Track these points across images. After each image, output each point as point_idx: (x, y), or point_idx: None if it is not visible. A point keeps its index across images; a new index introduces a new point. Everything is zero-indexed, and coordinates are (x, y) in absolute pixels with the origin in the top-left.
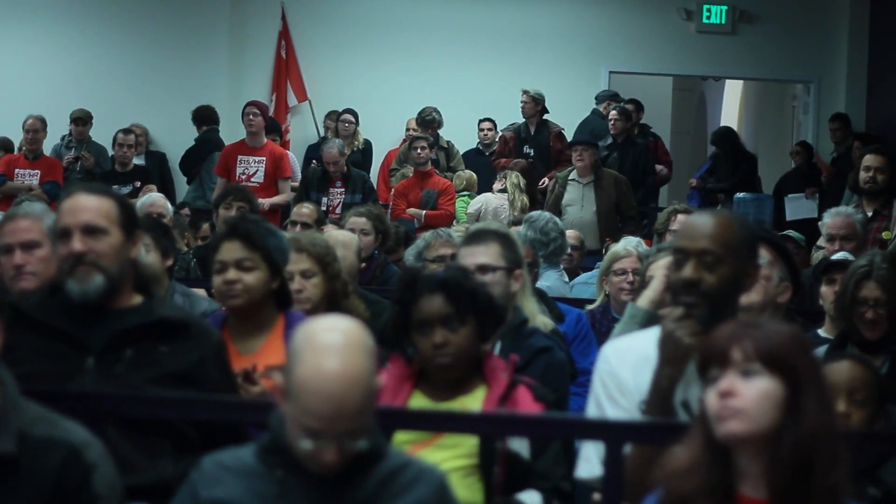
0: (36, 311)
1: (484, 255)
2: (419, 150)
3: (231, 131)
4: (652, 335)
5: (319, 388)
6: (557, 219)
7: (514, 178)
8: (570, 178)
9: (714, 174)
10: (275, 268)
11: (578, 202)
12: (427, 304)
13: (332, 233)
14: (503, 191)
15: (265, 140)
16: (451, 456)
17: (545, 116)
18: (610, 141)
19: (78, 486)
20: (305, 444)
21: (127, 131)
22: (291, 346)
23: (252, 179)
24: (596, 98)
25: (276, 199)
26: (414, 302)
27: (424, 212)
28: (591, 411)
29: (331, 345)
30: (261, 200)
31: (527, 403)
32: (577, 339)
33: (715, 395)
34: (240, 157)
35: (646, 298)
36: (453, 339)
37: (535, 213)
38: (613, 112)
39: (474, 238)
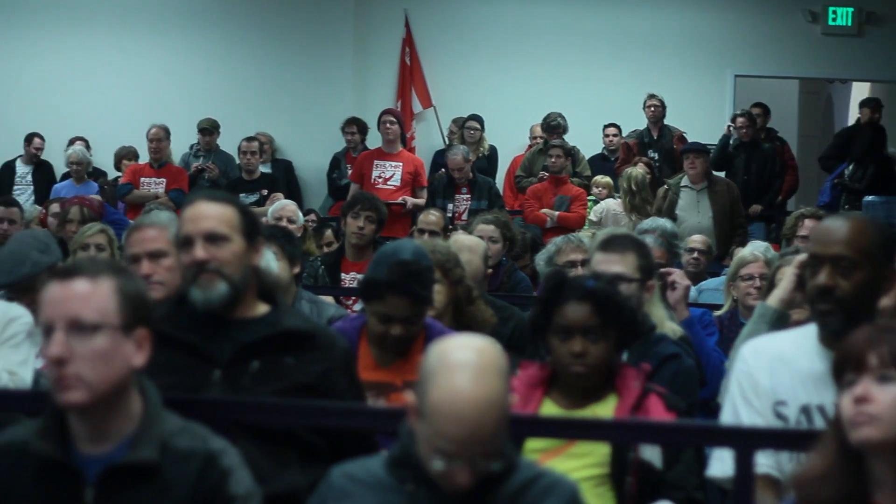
0: (163, 323)
1: (620, 264)
2: (554, 158)
3: None
4: (789, 336)
5: (453, 412)
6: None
7: (625, 183)
8: (682, 184)
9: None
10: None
11: (694, 208)
12: (572, 311)
13: (457, 237)
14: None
15: (401, 147)
16: (582, 465)
17: (665, 121)
18: (737, 144)
19: (215, 491)
20: (438, 465)
21: (250, 139)
22: (425, 364)
23: (388, 182)
24: None
25: (417, 200)
26: (558, 306)
27: (558, 213)
28: (727, 412)
29: (465, 367)
30: (405, 199)
31: (658, 412)
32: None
33: (850, 400)
34: (376, 161)
35: (775, 297)
36: (592, 350)
37: (660, 220)
38: (740, 119)
39: (610, 245)
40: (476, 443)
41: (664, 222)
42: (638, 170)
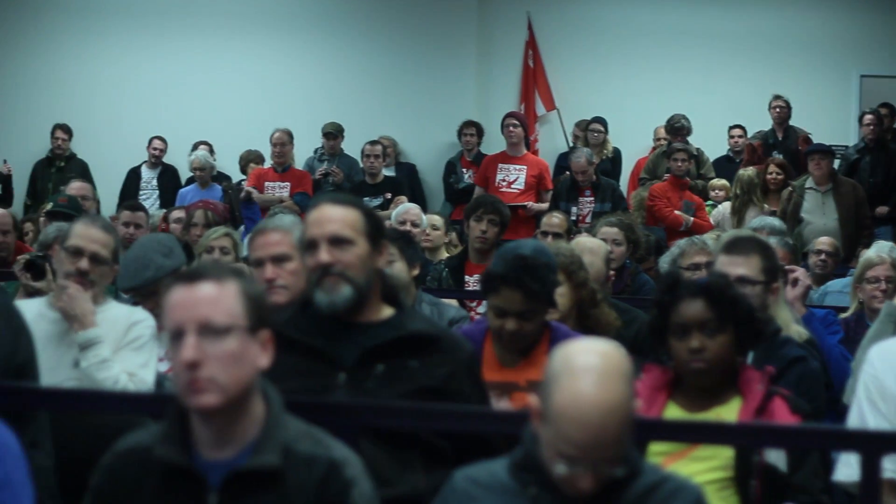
0: (288, 328)
1: (744, 266)
2: (679, 163)
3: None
4: None
5: (577, 417)
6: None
7: (737, 188)
8: (807, 186)
9: None
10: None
11: (819, 210)
12: (687, 308)
13: (580, 239)
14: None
15: (525, 150)
16: (705, 468)
17: (790, 122)
18: (861, 145)
19: (336, 501)
20: (561, 469)
21: (374, 143)
22: (549, 367)
23: (513, 186)
24: None
25: (540, 206)
26: (674, 305)
27: (692, 218)
28: (854, 415)
29: (589, 371)
30: (529, 204)
31: (783, 415)
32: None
33: None
34: (500, 165)
35: None
36: (710, 345)
37: (768, 219)
38: (868, 116)
39: (734, 247)
40: (599, 447)
41: (772, 220)
42: (748, 171)
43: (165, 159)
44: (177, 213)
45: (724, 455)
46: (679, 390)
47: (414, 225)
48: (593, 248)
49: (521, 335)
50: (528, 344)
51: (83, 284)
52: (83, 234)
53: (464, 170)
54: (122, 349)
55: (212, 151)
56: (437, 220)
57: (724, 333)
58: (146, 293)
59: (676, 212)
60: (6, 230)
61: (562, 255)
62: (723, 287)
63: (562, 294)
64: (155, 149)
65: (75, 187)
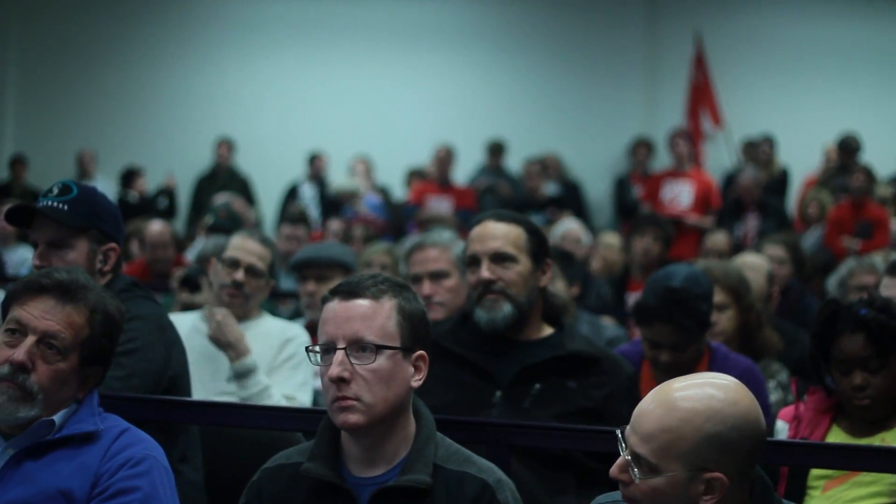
0: (447, 342)
1: None
2: (855, 181)
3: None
4: None
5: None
6: None
7: None
8: None
9: None
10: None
11: None
12: (847, 344)
13: (742, 257)
14: None
15: (692, 167)
16: (868, 493)
17: None
18: None
19: None
20: None
21: (534, 161)
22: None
23: (679, 202)
24: None
25: (703, 221)
26: (833, 339)
27: (860, 240)
28: None
29: (666, 389)
30: (693, 220)
31: None
32: None
33: None
34: (667, 181)
35: None
36: (873, 382)
37: None
38: None
39: None
40: None
41: None
42: None
43: (326, 174)
44: (335, 227)
45: (887, 480)
46: (843, 414)
47: (576, 242)
48: (755, 265)
49: (677, 365)
50: (686, 369)
51: (237, 297)
52: (241, 246)
53: (634, 186)
54: (277, 368)
55: (370, 168)
56: (613, 240)
57: (888, 368)
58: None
59: (844, 242)
60: (164, 244)
61: (731, 278)
62: (883, 321)
63: (729, 318)
64: (315, 165)
65: (231, 202)
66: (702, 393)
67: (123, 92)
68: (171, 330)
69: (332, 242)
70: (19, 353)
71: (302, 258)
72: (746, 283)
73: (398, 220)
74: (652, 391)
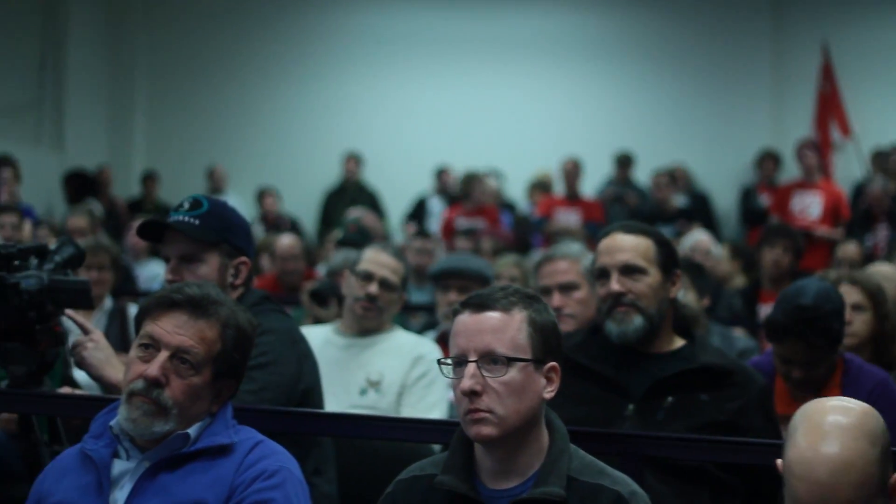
0: (578, 353)
1: None
2: None
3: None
4: None
5: (805, 474)
6: None
7: None
8: None
9: None
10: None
11: None
12: None
13: (875, 267)
14: None
15: (821, 178)
16: None
17: None
18: None
19: None
20: None
21: (663, 172)
22: (792, 420)
23: (808, 213)
24: None
25: (833, 234)
26: None
27: None
28: None
29: (826, 427)
30: (820, 232)
31: None
32: None
33: None
34: (796, 193)
35: None
36: None
37: None
38: None
39: None
40: None
41: None
42: None
43: (452, 186)
44: (462, 242)
45: None
46: None
47: (705, 254)
48: (887, 274)
49: (809, 381)
50: (818, 384)
51: (371, 309)
52: (374, 259)
53: (761, 195)
54: (410, 387)
55: (498, 178)
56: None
57: None
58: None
59: None
60: (294, 257)
61: (871, 283)
62: None
63: (864, 321)
64: (442, 179)
65: (361, 216)
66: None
67: (252, 108)
68: (302, 343)
69: (470, 255)
70: (153, 369)
71: (444, 268)
72: (884, 292)
73: (524, 232)
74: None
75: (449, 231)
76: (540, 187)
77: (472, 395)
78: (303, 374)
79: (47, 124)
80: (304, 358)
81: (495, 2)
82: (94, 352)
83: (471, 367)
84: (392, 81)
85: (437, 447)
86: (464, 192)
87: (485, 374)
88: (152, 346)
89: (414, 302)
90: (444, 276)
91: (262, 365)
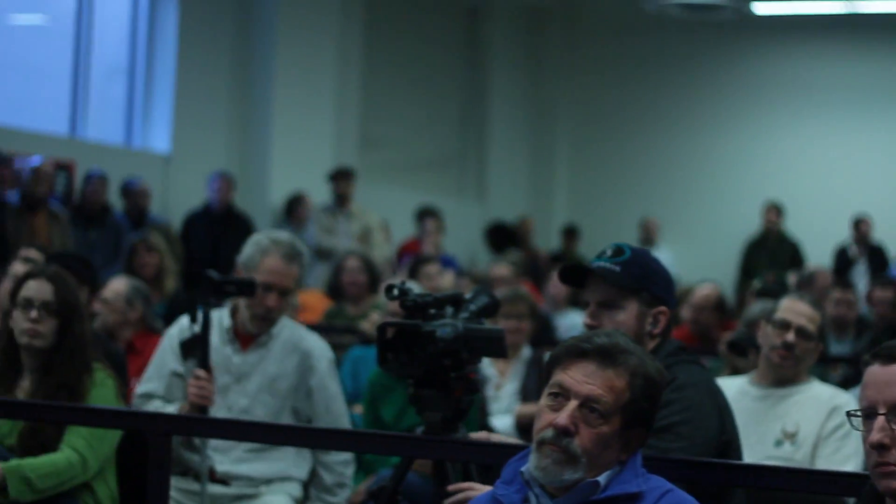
0: None
1: None
2: None
3: None
4: None
5: None
6: None
7: None
8: None
9: None
10: None
11: None
12: None
13: None
14: None
15: None
16: None
17: None
18: None
19: None
20: None
21: None
22: None
23: None
24: None
25: None
26: None
27: None
28: None
29: None
30: None
31: None
32: None
33: None
34: None
35: None
36: None
37: None
38: None
39: None
40: None
41: None
42: None
43: (872, 238)
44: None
45: None
46: None
47: None
48: None
49: None
50: None
51: (788, 358)
52: (791, 307)
53: None
54: (825, 439)
55: None
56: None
57: None
58: None
59: None
60: (709, 307)
61: None
62: None
63: None
64: (861, 229)
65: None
66: None
67: (674, 159)
68: (720, 395)
69: None
70: (562, 418)
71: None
72: None
73: None
74: None
75: None
76: None
77: (881, 448)
78: (724, 426)
79: (470, 176)
80: (723, 410)
81: None
82: None
83: (880, 420)
84: (813, 129)
85: (850, 501)
86: None
87: (894, 427)
88: (562, 394)
89: (833, 353)
90: None
91: (686, 420)
